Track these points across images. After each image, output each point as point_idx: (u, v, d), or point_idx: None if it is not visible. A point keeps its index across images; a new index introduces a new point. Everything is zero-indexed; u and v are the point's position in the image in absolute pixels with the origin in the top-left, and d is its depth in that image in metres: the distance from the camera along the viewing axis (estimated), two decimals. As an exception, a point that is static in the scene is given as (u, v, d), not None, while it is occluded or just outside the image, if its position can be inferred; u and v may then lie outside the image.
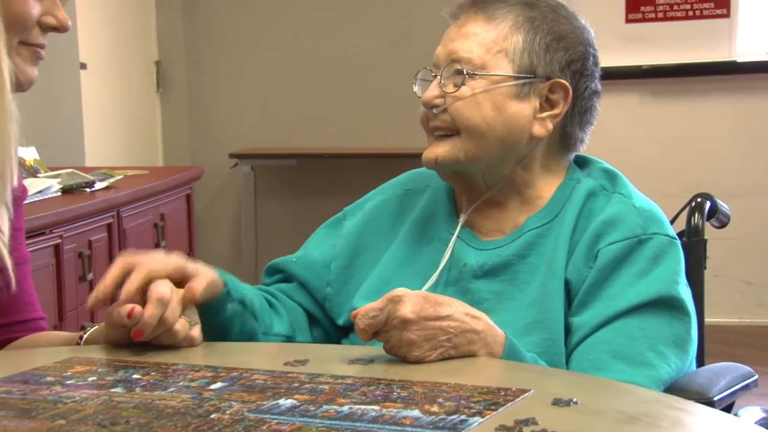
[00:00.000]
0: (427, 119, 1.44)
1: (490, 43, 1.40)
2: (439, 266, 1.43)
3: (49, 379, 1.11)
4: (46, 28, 1.25)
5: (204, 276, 1.28)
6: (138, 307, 1.20)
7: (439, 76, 1.42)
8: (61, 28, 1.25)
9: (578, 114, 1.44)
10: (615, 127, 4.24)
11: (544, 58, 1.40)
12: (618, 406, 1.01)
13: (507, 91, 1.39)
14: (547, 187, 1.44)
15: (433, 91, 1.42)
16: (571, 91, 1.41)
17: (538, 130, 1.40)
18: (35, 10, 1.22)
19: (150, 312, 1.19)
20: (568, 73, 1.41)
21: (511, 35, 1.40)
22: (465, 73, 1.39)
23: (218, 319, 1.34)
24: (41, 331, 1.40)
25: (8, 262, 1.27)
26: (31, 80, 1.25)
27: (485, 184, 1.44)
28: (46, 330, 1.41)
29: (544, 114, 1.41)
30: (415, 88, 1.47)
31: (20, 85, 1.23)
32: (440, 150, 1.41)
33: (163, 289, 1.21)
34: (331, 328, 1.51)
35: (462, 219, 1.45)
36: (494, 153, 1.40)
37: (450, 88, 1.40)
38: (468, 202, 1.46)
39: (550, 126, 1.41)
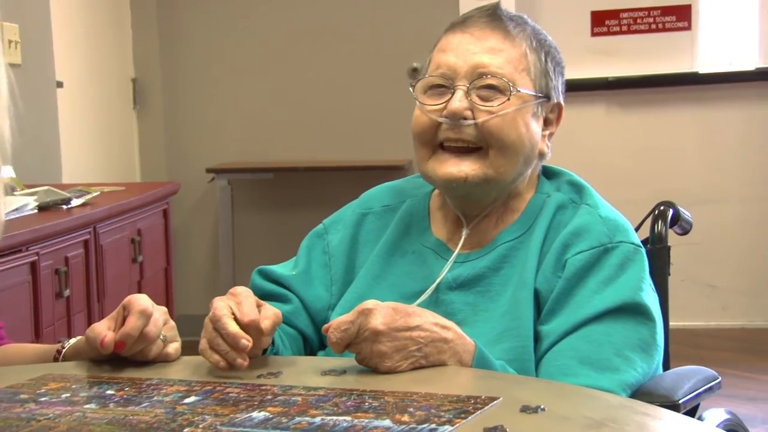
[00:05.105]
0: (435, 131, 1.40)
1: (515, 60, 1.40)
2: (436, 279, 1.41)
3: (22, 396, 1.11)
4: None
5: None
6: (109, 336, 1.20)
7: (465, 88, 1.39)
8: None
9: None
10: (582, 136, 4.29)
11: (553, 80, 1.44)
12: (585, 412, 1.02)
13: (530, 109, 1.41)
14: (523, 199, 1.46)
15: (462, 102, 1.38)
16: (563, 110, 1.46)
17: (543, 147, 1.44)
18: None
19: (132, 323, 1.20)
20: (562, 95, 1.47)
21: (529, 54, 1.41)
22: (510, 89, 1.37)
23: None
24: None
25: None
26: None
27: (491, 200, 1.44)
28: (4, 338, 1.40)
29: (546, 132, 1.45)
30: (418, 96, 1.42)
31: None
32: (469, 168, 1.38)
33: (144, 302, 1.22)
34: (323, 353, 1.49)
35: (465, 233, 1.44)
36: (518, 170, 1.41)
37: (479, 102, 1.38)
38: (465, 217, 1.45)
39: (549, 144, 1.45)
